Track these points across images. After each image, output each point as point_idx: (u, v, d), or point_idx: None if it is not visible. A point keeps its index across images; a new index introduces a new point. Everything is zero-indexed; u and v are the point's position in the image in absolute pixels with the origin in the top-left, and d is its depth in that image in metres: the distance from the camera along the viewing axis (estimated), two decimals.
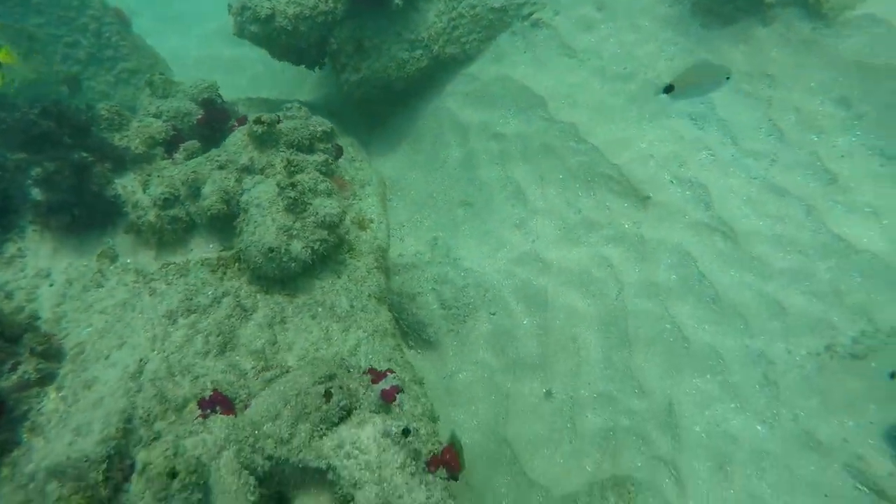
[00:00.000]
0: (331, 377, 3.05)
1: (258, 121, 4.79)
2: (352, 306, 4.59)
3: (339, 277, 4.78)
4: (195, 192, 4.75)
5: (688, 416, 4.64)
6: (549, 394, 4.99)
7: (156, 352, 3.83)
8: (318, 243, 4.46)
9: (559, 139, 5.81)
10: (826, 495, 4.21)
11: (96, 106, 4.99)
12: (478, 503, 4.78)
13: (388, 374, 3.16)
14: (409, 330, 5.69)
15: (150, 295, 4.23)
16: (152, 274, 4.43)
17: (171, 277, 4.37)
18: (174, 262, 4.59)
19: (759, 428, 4.51)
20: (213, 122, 5.65)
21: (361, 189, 5.99)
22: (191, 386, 3.55)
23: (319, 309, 4.43)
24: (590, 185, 5.59)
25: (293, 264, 4.33)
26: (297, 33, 6.16)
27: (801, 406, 4.50)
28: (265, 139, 4.87)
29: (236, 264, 4.55)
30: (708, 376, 4.74)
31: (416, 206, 6.40)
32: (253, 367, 3.77)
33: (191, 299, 4.18)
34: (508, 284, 5.41)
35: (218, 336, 3.99)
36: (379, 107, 7.03)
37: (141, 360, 3.76)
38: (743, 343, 4.78)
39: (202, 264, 4.53)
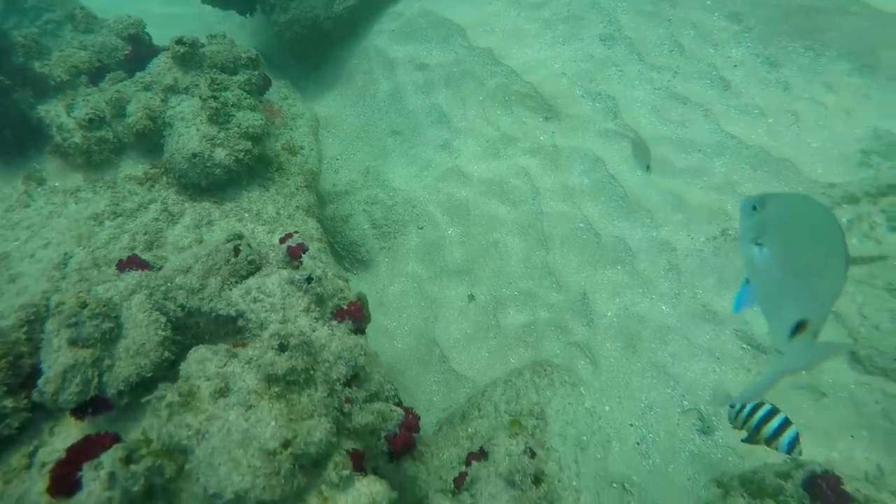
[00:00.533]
0: (239, 236, 3.26)
1: (180, 41, 4.94)
2: (278, 213, 4.79)
3: (266, 191, 4.97)
4: (121, 112, 4.87)
5: (601, 303, 5.00)
6: (472, 297, 5.29)
7: (81, 248, 3.98)
8: (243, 153, 4.64)
9: (478, 64, 6.11)
10: (718, 357, 4.62)
11: (10, 32, 5.05)
12: (410, 400, 5.05)
13: (294, 234, 3.39)
14: (345, 252, 5.93)
15: (76, 203, 4.36)
16: (78, 186, 4.56)
17: (97, 188, 4.50)
18: (102, 179, 4.72)
19: (663, 308, 4.90)
20: (141, 58, 5.75)
21: (293, 121, 6.17)
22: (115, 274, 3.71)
23: (246, 214, 4.62)
24: (508, 103, 5.91)
25: (218, 170, 4.51)
26: None
27: (700, 285, 4.90)
28: (188, 60, 5.02)
29: (164, 177, 4.70)
30: (618, 267, 5.11)
31: (349, 140, 6.62)
32: None
33: (117, 204, 4.33)
34: (434, 199, 5.69)
35: (145, 235, 4.16)
36: (312, 49, 7.21)
37: (66, 255, 3.91)
38: (649, 234, 5.16)
39: (130, 178, 4.68)
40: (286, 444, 2.29)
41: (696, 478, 4.21)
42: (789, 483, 3.35)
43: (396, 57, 6.61)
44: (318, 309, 3.19)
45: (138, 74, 5.11)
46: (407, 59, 6.55)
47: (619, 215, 5.27)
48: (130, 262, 3.24)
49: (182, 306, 3.06)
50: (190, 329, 3.14)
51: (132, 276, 3.04)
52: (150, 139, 4.86)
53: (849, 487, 3.22)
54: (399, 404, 3.43)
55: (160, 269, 3.34)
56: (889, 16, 5.46)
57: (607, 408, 4.63)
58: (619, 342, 4.84)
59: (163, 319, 2.93)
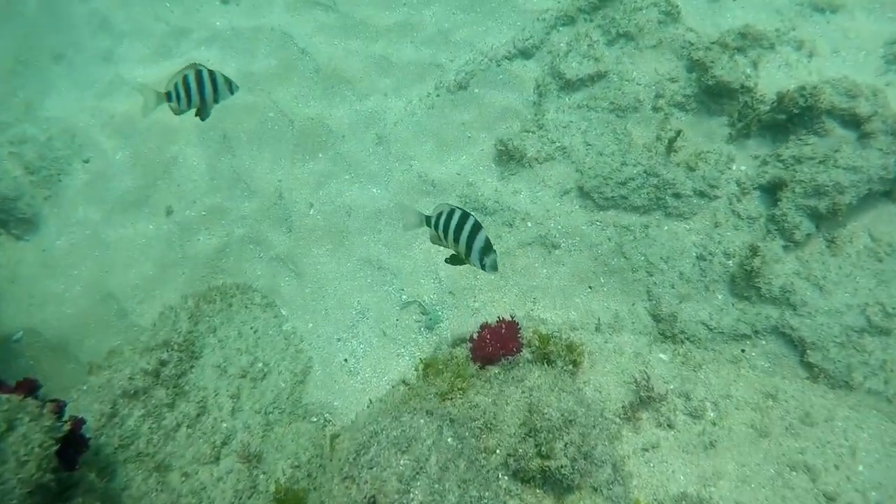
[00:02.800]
0: None
1: None
2: None
3: None
4: None
5: (301, 202, 3.92)
6: (170, 210, 4.06)
7: None
8: None
9: None
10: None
11: None
12: (82, 374, 3.76)
13: None
14: (5, 215, 4.49)
15: None
16: None
17: None
18: None
19: (374, 191, 3.89)
20: None
21: None
22: None
23: None
24: None
25: None
26: None
27: (416, 153, 3.93)
28: None
29: None
30: (320, 154, 4.04)
31: (4, 79, 5.14)
32: None
33: None
34: (97, 122, 4.39)
35: None
36: None
37: None
38: (352, 109, 4.13)
39: None
40: None
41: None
42: (461, 348, 2.40)
43: None
44: None
45: None
46: None
47: (316, 94, 4.21)
48: None
49: None
50: None
51: None
52: None
53: (527, 333, 2.29)
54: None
55: None
56: None
57: (310, 325, 3.57)
58: (327, 243, 3.78)
59: None
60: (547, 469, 1.70)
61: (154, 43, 4.57)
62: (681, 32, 3.70)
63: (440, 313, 3.44)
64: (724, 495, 2.04)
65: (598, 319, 3.00)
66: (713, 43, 3.49)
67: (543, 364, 2.15)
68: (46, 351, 3.92)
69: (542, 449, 1.71)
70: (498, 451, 1.79)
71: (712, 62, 3.38)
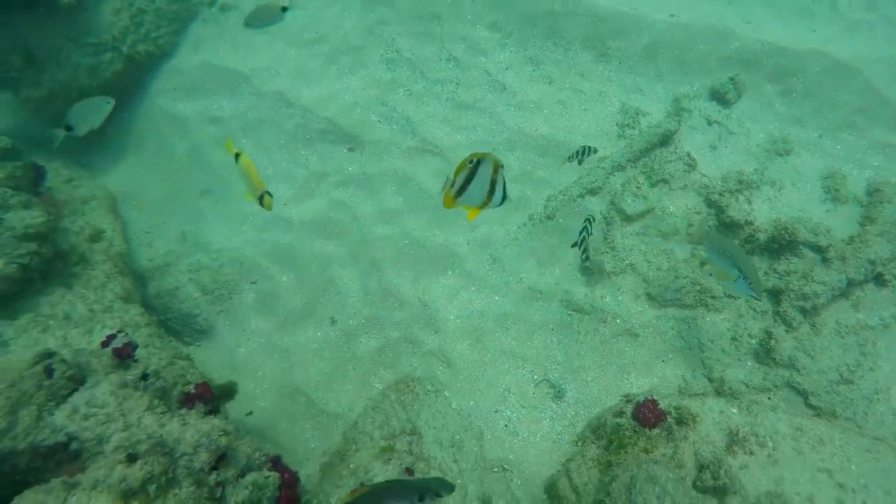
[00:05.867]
0: (49, 354, 3.01)
1: None
2: (91, 310, 4.43)
3: (70, 289, 4.56)
4: None
5: (442, 310, 5.35)
6: (333, 320, 5.34)
7: None
8: (28, 257, 4.20)
9: (272, 109, 6.13)
10: (552, 328, 5.24)
11: None
12: (288, 454, 4.98)
13: (118, 334, 3.21)
14: (181, 327, 5.61)
15: None
16: None
17: None
18: None
19: (497, 298, 5.40)
20: None
21: (84, 205, 5.68)
22: None
23: (51, 322, 4.20)
24: (310, 142, 6.02)
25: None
26: None
27: (523, 270, 5.48)
28: None
29: None
30: (449, 272, 5.50)
31: (156, 209, 6.23)
32: None
33: None
34: (260, 251, 5.62)
35: None
36: None
37: None
38: (469, 236, 5.63)
39: None
40: None
41: (560, 438, 4.74)
42: (623, 419, 3.96)
43: (185, 114, 6.36)
44: (162, 403, 3.07)
45: None
46: (197, 115, 6.34)
47: (437, 225, 5.66)
48: None
49: None
50: (8, 476, 2.84)
51: None
52: None
53: (662, 405, 3.89)
54: (273, 466, 3.42)
55: None
56: (605, 12, 6.48)
57: (472, 403, 5.00)
58: (468, 340, 5.23)
59: None
60: (717, 486, 3.31)
61: (297, 185, 5.87)
62: (698, 177, 5.49)
63: (564, 387, 4.98)
64: (787, 489, 3.72)
65: (680, 386, 4.67)
66: (724, 190, 5.28)
67: (683, 425, 3.76)
68: (247, 435, 5.12)
69: (712, 475, 3.32)
70: (686, 479, 3.38)
71: (727, 205, 5.17)
